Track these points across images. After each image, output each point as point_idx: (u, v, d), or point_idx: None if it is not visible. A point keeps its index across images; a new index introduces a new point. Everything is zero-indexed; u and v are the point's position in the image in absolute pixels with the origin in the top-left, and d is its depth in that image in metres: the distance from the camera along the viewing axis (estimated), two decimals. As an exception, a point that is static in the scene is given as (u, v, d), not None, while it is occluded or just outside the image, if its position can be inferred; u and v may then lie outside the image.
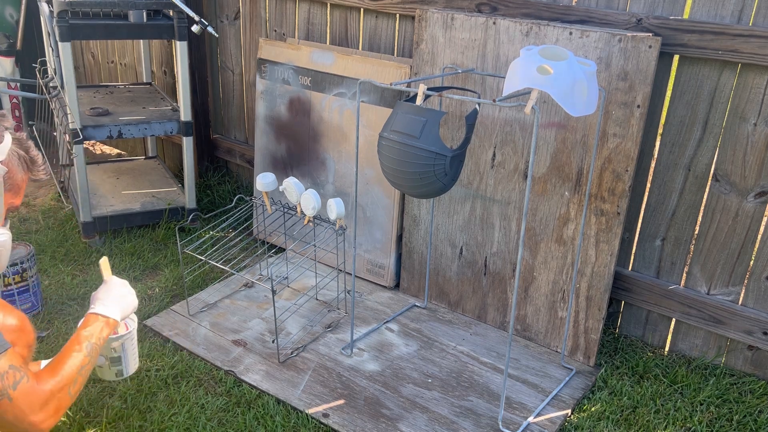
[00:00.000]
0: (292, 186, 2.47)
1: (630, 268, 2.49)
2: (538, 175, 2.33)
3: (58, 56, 2.88)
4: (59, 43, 2.77)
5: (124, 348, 1.89)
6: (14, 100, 3.93)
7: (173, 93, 3.79)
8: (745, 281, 2.27)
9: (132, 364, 1.94)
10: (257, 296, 2.74)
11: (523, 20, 2.24)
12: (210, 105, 3.69)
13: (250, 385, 2.21)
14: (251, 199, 2.89)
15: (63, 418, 2.04)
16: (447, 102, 2.48)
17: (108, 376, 1.92)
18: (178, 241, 2.93)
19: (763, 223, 2.20)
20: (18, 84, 3.85)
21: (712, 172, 2.23)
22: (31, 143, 1.67)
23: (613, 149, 2.16)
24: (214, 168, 3.77)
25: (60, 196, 3.58)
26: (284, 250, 3.10)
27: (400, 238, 2.78)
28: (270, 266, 2.97)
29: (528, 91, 1.85)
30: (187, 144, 3.16)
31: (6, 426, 1.44)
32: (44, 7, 3.01)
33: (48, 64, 3.48)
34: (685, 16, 2.13)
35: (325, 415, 2.08)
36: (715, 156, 2.21)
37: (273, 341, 2.44)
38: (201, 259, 2.89)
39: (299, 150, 2.99)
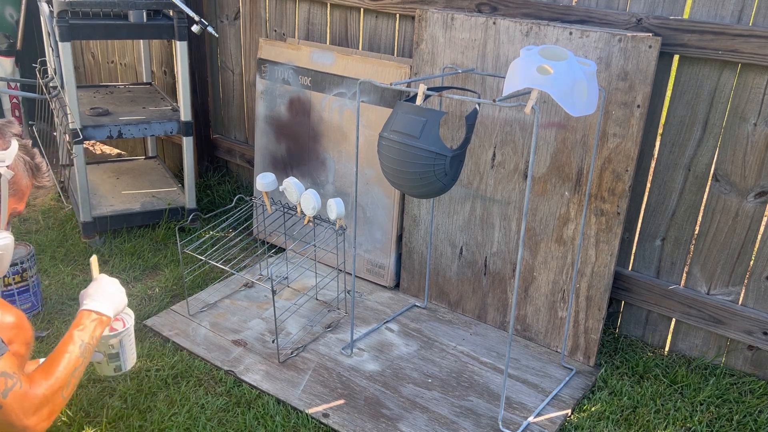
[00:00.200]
0: (292, 186, 2.47)
1: (630, 268, 2.49)
2: (538, 175, 2.33)
3: (58, 56, 2.88)
4: (59, 43, 2.77)
5: (122, 344, 1.89)
6: (14, 100, 3.93)
7: (173, 93, 3.79)
8: (745, 281, 2.27)
9: (130, 359, 1.94)
10: (257, 296, 2.74)
11: (523, 20, 2.24)
12: (210, 105, 3.69)
13: (250, 385, 2.21)
14: (251, 199, 2.89)
15: (63, 418, 2.04)
16: (447, 102, 2.48)
17: (106, 371, 1.93)
18: (178, 241, 2.93)
19: (763, 223, 2.20)
20: (18, 84, 3.85)
21: (712, 172, 2.23)
22: (36, 150, 1.68)
23: (613, 149, 2.16)
24: (214, 168, 3.77)
25: (60, 196, 3.58)
26: (284, 250, 3.10)
27: (400, 238, 2.78)
28: (270, 266, 2.97)
29: (528, 91, 1.85)
30: (187, 144, 3.16)
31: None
32: (44, 7, 3.01)
33: (48, 64, 3.48)
34: (685, 16, 2.13)
35: (325, 415, 2.08)
36: (715, 156, 2.21)
37: (273, 341, 2.44)
38: (201, 259, 2.89)
39: (299, 150, 2.99)
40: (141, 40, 3.71)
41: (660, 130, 2.32)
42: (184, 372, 2.27)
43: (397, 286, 2.85)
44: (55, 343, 2.39)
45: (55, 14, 2.73)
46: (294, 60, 2.91)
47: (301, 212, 2.51)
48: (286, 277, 2.88)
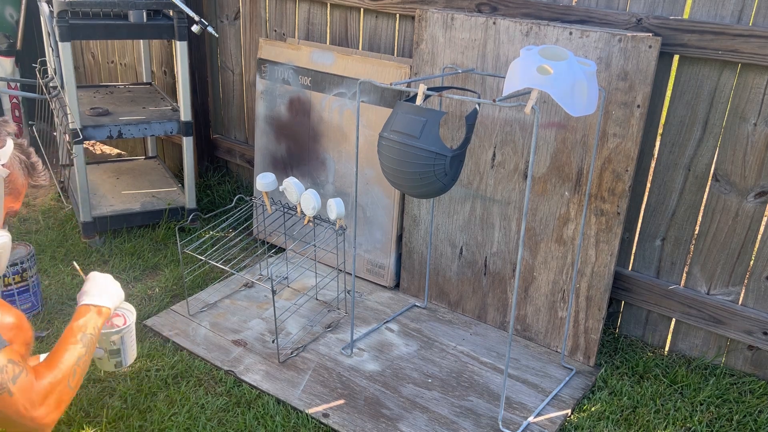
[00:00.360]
0: (292, 186, 2.47)
1: (630, 268, 2.49)
2: (538, 175, 2.33)
3: (58, 56, 2.88)
4: (59, 43, 2.77)
5: (123, 341, 1.90)
6: (14, 100, 3.93)
7: (173, 93, 3.79)
8: (745, 281, 2.27)
9: (130, 355, 1.95)
10: (257, 296, 2.74)
11: (523, 20, 2.24)
12: (210, 105, 3.69)
13: (250, 385, 2.21)
14: (251, 199, 2.89)
15: (63, 418, 2.04)
16: (447, 102, 2.48)
17: (107, 367, 1.93)
18: (178, 241, 2.93)
19: (763, 223, 2.20)
20: (18, 84, 3.85)
21: (712, 172, 2.23)
22: (32, 150, 1.69)
23: (613, 149, 2.16)
24: (214, 168, 3.77)
25: (60, 196, 3.58)
26: (284, 250, 3.10)
27: (400, 238, 2.78)
28: (270, 266, 2.97)
29: (528, 91, 1.85)
30: (187, 144, 3.16)
31: (8, 423, 1.44)
32: (44, 7, 3.01)
33: (48, 64, 3.48)
34: (685, 16, 2.13)
35: (325, 415, 2.08)
36: (715, 156, 2.21)
37: (273, 341, 2.44)
38: (201, 259, 2.89)
39: (299, 150, 2.99)
40: (141, 40, 3.71)
41: (660, 130, 2.32)
42: (184, 372, 2.27)
43: (397, 286, 2.85)
44: (55, 343, 2.39)
45: (55, 14, 2.73)
46: (294, 60, 2.91)
47: (301, 212, 2.51)
48: (286, 277, 2.88)
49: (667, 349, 2.49)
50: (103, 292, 1.76)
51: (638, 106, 2.08)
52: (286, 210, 2.67)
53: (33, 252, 2.52)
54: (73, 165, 3.05)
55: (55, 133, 3.85)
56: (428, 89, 2.00)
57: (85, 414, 2.07)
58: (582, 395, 2.22)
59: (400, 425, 2.05)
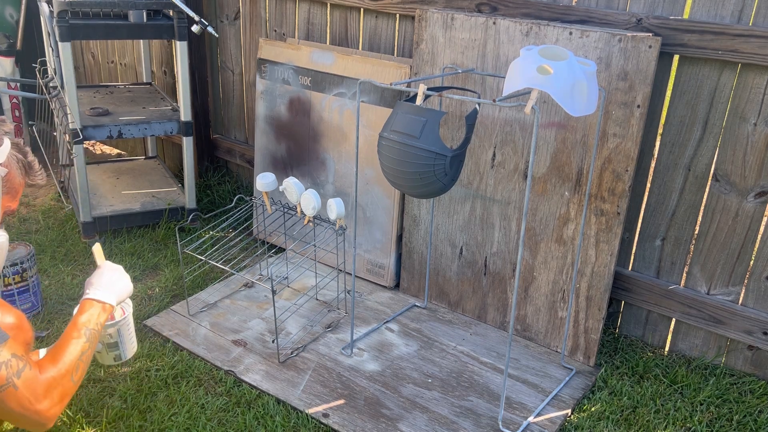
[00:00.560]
0: (292, 186, 2.47)
1: (630, 268, 2.49)
2: (538, 175, 2.33)
3: (58, 56, 2.88)
4: (59, 43, 2.77)
5: (120, 333, 1.90)
6: (14, 100, 3.93)
7: (173, 93, 3.79)
8: (745, 281, 2.27)
9: (129, 348, 1.95)
10: (257, 296, 2.74)
11: (523, 20, 2.24)
12: (210, 105, 3.69)
13: (250, 385, 2.22)
14: (251, 199, 2.89)
15: (63, 418, 2.04)
16: (447, 102, 2.48)
17: (107, 361, 1.93)
18: (178, 241, 2.93)
19: (763, 223, 2.20)
20: (18, 84, 3.85)
21: (712, 172, 2.23)
22: (28, 149, 1.70)
23: (613, 149, 2.16)
24: (214, 168, 3.77)
25: (60, 196, 3.58)
26: (284, 250, 3.10)
27: (400, 238, 2.78)
28: (270, 266, 2.97)
29: (528, 91, 1.85)
30: (187, 144, 3.16)
31: (13, 416, 1.45)
32: (44, 7, 3.01)
33: (48, 64, 3.48)
34: (685, 16, 2.13)
35: (325, 415, 2.08)
36: (715, 156, 2.21)
37: (273, 341, 2.44)
38: (201, 259, 2.89)
39: (299, 150, 3.00)
40: (141, 40, 3.71)
41: (660, 130, 2.32)
42: (184, 372, 2.27)
43: (397, 286, 2.85)
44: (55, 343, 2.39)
45: (55, 14, 2.73)
46: (294, 60, 2.91)
47: (301, 212, 2.51)
48: (286, 277, 2.88)
49: (667, 349, 2.49)
50: (110, 286, 1.76)
51: (638, 106, 2.08)
52: (286, 210, 2.67)
53: (33, 252, 2.52)
54: (73, 165, 3.05)
55: (55, 133, 3.85)
56: (428, 89, 2.00)
57: (85, 414, 2.07)
58: (582, 395, 2.23)
59: (400, 425, 2.05)
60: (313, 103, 2.88)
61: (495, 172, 2.43)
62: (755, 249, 2.22)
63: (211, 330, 2.49)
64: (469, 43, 2.36)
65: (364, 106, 2.70)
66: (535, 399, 2.19)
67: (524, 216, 1.84)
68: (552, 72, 1.75)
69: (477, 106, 1.99)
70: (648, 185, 2.36)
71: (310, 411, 2.09)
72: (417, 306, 2.71)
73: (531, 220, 2.38)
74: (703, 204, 2.28)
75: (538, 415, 2.12)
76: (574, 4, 2.29)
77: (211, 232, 3.26)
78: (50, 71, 3.41)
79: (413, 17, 2.67)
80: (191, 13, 2.88)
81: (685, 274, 2.39)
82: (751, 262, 2.25)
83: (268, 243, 3.18)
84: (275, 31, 3.22)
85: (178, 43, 2.97)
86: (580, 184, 2.25)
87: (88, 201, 3.03)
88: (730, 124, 2.15)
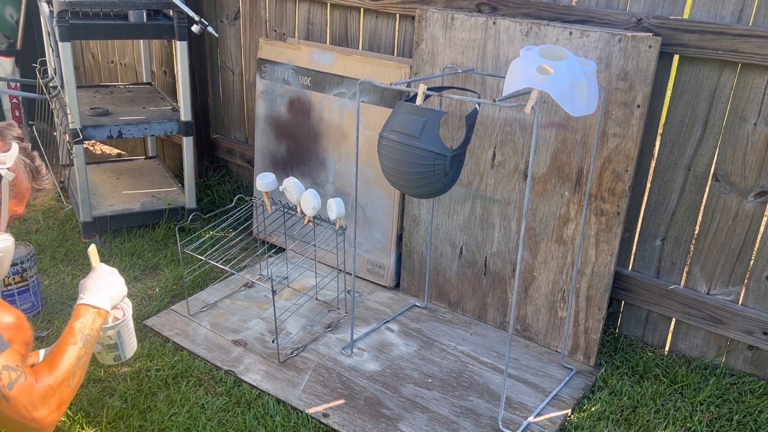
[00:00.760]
0: (292, 186, 2.48)
1: (630, 268, 2.49)
2: (538, 175, 2.33)
3: (58, 56, 2.88)
4: (59, 43, 2.77)
5: (120, 335, 1.89)
6: (14, 100, 3.93)
7: (173, 93, 3.79)
8: (745, 281, 2.27)
9: (129, 348, 1.94)
10: (257, 296, 2.74)
11: (523, 20, 2.24)
12: (210, 105, 3.69)
13: (250, 385, 2.22)
14: (251, 199, 2.89)
15: (63, 418, 2.04)
16: (447, 102, 2.48)
17: (107, 361, 1.93)
18: (178, 241, 2.93)
19: (763, 223, 2.20)
20: (18, 84, 3.85)
21: (712, 172, 2.23)
22: (36, 153, 1.69)
23: (613, 149, 2.16)
24: (214, 168, 3.77)
25: (60, 196, 3.58)
26: (284, 250, 3.10)
27: (400, 238, 2.78)
28: (270, 266, 2.97)
29: (528, 91, 1.85)
30: (187, 144, 3.16)
31: (11, 425, 1.45)
32: (44, 7, 3.01)
33: (48, 64, 3.48)
34: (685, 16, 2.13)
35: (325, 415, 2.08)
36: (715, 156, 2.21)
37: (273, 341, 2.44)
38: (201, 259, 2.89)
39: (299, 150, 3.00)
40: (141, 40, 3.71)
41: (660, 130, 2.32)
42: (184, 372, 2.27)
43: (397, 286, 2.85)
44: (55, 342, 2.39)
45: (55, 14, 2.73)
46: (294, 60, 2.91)
47: (301, 212, 2.51)
48: (286, 277, 2.88)
49: (667, 349, 2.49)
50: (104, 291, 1.75)
51: (638, 106, 2.08)
52: (286, 210, 2.67)
53: (33, 252, 2.52)
54: (73, 165, 3.05)
55: (55, 133, 3.85)
56: (428, 89, 2.00)
57: (85, 414, 2.07)
58: (582, 395, 2.22)
59: (400, 425, 2.05)
60: (313, 103, 2.88)
61: (495, 172, 2.43)
62: (755, 249, 2.22)
63: (211, 330, 2.49)
64: (469, 43, 2.36)
65: (364, 106, 2.70)
66: (535, 399, 2.19)
67: (524, 216, 1.84)
68: (552, 72, 1.75)
69: (477, 106, 1.99)
70: (648, 185, 2.36)
71: (310, 411, 2.09)
72: (417, 306, 2.71)
73: (531, 220, 2.38)
74: (703, 204, 2.28)
75: (538, 415, 2.12)
76: (574, 4, 2.29)
77: (211, 232, 3.26)
78: (50, 71, 3.41)
79: (413, 17, 2.67)
80: (191, 13, 2.88)
81: (685, 274, 2.39)
82: (751, 262, 2.25)
83: (268, 243, 3.18)
84: (275, 31, 3.22)
85: (178, 43, 2.97)
86: (580, 184, 2.25)
87: (88, 201, 3.03)
88: (730, 124, 2.15)
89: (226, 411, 2.11)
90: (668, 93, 2.25)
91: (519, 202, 2.41)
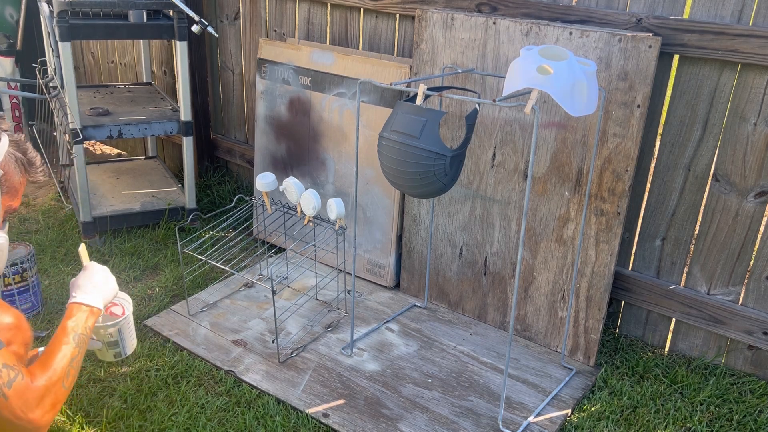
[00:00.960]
0: (292, 186, 2.47)
1: (630, 268, 2.49)
2: (538, 175, 2.33)
3: (58, 56, 2.88)
4: (59, 43, 2.77)
5: (121, 332, 1.89)
6: (14, 100, 3.93)
7: (173, 93, 3.79)
8: (745, 281, 2.27)
9: (129, 345, 1.95)
10: (257, 296, 2.74)
11: (523, 20, 2.24)
12: (210, 105, 3.69)
13: (250, 385, 2.22)
14: (251, 199, 2.89)
15: (63, 418, 2.04)
16: (447, 102, 2.48)
17: (107, 357, 1.93)
18: (178, 241, 2.93)
19: (763, 223, 2.20)
20: (18, 84, 3.85)
21: (712, 172, 2.23)
22: (29, 145, 1.67)
23: (613, 149, 2.16)
24: (214, 168, 3.77)
25: (60, 196, 3.58)
26: (284, 250, 3.10)
27: (400, 238, 2.78)
28: (270, 266, 2.97)
29: (528, 91, 1.85)
30: (187, 144, 3.16)
31: (5, 424, 1.44)
32: (44, 7, 3.01)
33: (48, 64, 3.48)
34: (685, 16, 2.13)
35: (325, 415, 2.08)
36: (715, 156, 2.21)
37: (273, 341, 2.44)
38: (201, 259, 2.89)
39: (299, 150, 3.00)
40: (141, 40, 3.71)
41: (660, 130, 2.32)
42: (184, 372, 2.27)
43: (397, 286, 2.85)
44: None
45: (55, 14, 2.73)
46: (294, 60, 2.91)
47: (301, 212, 2.51)
48: (286, 277, 2.88)
49: (667, 349, 2.49)
50: (97, 289, 1.74)
51: (638, 106, 2.08)
52: (286, 210, 2.67)
53: (33, 252, 2.52)
54: (73, 165, 3.05)
55: (55, 133, 3.85)
56: (428, 89, 2.00)
57: (85, 414, 2.07)
58: (582, 395, 2.23)
59: (400, 425, 2.05)
60: (313, 103, 2.88)
61: (495, 172, 2.43)
62: (755, 249, 2.22)
63: (211, 330, 2.49)
64: (469, 43, 2.36)
65: (364, 106, 2.70)
66: (535, 399, 2.19)
67: (524, 216, 1.84)
68: (552, 72, 1.75)
69: (477, 106, 1.99)
70: (648, 185, 2.36)
71: (310, 411, 2.09)
72: (417, 306, 2.71)
73: (531, 220, 2.38)
74: (703, 204, 2.28)
75: (538, 415, 2.12)
76: (574, 4, 2.29)
77: (211, 232, 3.26)
78: (50, 71, 3.41)
79: (413, 17, 2.67)
80: (191, 13, 2.88)
81: (685, 274, 2.39)
82: (751, 262, 2.25)
83: (268, 243, 3.18)
84: (275, 31, 3.22)
85: (178, 43, 2.97)
86: (580, 184, 2.25)
87: (88, 201, 3.03)
88: (730, 124, 2.15)
89: (226, 411, 2.11)
90: (668, 93, 2.25)
91: (519, 202, 2.41)
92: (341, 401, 2.15)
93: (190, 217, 3.26)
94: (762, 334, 2.24)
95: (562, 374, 2.32)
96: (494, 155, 2.41)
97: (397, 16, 2.74)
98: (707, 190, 2.25)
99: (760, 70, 2.06)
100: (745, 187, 2.18)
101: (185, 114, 3.11)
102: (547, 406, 2.16)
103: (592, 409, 2.17)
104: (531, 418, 2.10)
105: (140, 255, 3.03)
